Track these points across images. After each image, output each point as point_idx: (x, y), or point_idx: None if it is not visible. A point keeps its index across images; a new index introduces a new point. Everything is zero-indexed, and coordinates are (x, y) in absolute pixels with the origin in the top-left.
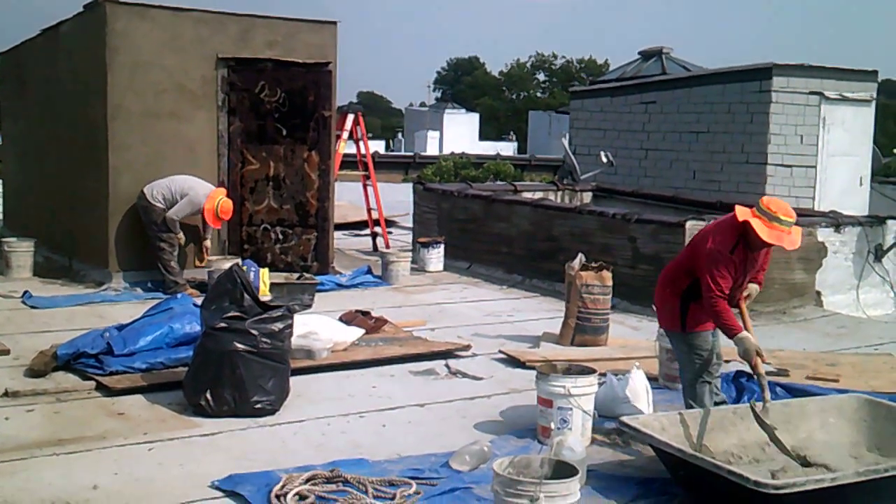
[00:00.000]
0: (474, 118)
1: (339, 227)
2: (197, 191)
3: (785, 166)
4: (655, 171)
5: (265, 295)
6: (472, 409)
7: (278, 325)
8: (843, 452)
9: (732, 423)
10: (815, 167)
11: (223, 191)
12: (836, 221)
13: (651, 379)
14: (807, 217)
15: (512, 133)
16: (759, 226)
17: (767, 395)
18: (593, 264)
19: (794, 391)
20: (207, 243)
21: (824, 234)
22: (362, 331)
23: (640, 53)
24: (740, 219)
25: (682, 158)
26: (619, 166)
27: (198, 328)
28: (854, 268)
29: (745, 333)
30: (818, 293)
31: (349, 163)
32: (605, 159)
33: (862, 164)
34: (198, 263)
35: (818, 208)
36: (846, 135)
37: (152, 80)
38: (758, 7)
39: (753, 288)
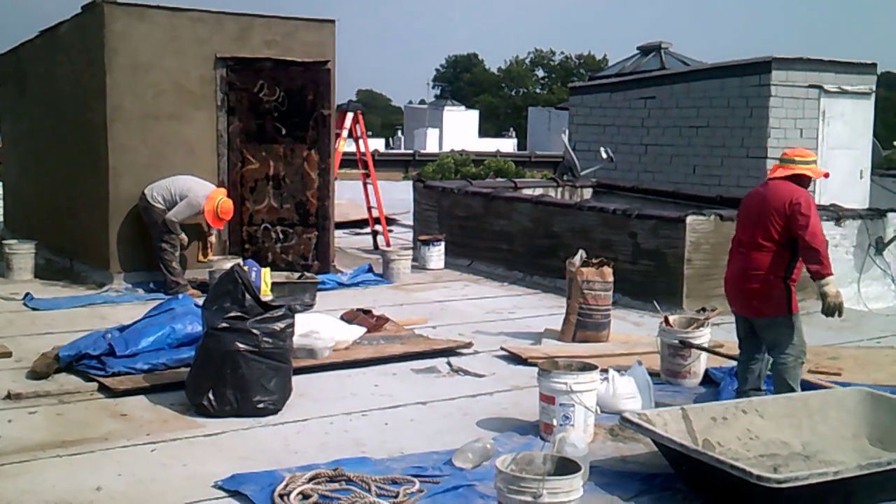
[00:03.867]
0: (474, 115)
1: (340, 225)
2: (196, 192)
3: None
4: (655, 167)
5: (267, 295)
6: (474, 407)
7: (280, 325)
8: (846, 446)
9: (735, 418)
10: (815, 161)
11: (223, 191)
12: (837, 215)
13: (653, 374)
14: None
15: (512, 129)
16: (811, 171)
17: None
18: (594, 260)
19: None
20: (212, 239)
21: (825, 228)
22: (364, 329)
23: (638, 48)
24: (797, 171)
25: (681, 153)
26: (618, 162)
27: (199, 328)
28: (855, 261)
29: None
30: None
31: (349, 161)
32: (604, 155)
33: (862, 156)
34: (201, 258)
35: (819, 202)
36: (846, 128)
37: (151, 80)
38: (755, 0)
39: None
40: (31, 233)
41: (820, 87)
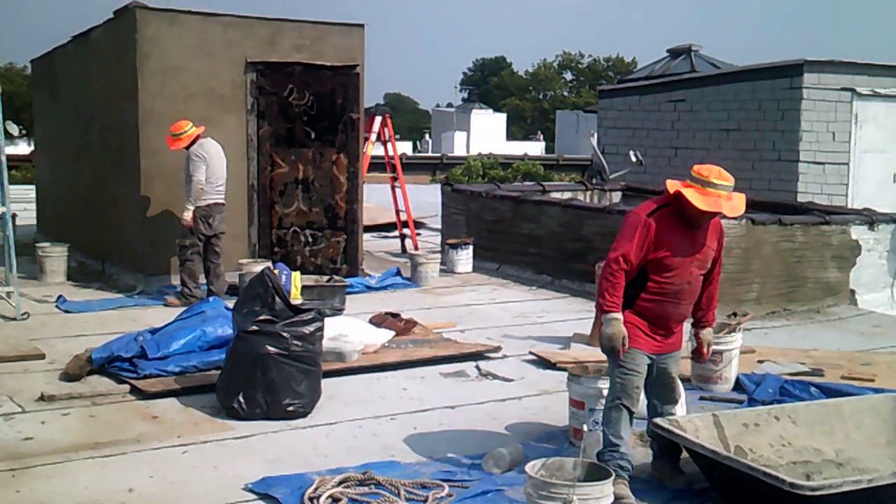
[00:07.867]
0: (501, 118)
1: (368, 229)
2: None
3: (817, 163)
4: (685, 170)
5: (296, 298)
6: (503, 411)
7: (309, 328)
8: (880, 453)
9: (768, 424)
10: (847, 164)
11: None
12: (870, 219)
13: (684, 380)
14: (840, 214)
15: (539, 133)
16: (692, 195)
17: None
18: None
19: (829, 391)
20: None
21: (858, 232)
22: (392, 333)
23: (668, 51)
24: (671, 191)
25: (712, 157)
26: (648, 165)
27: (230, 331)
28: (888, 266)
29: (618, 315)
30: (852, 292)
31: (377, 165)
32: (634, 158)
33: (895, 160)
34: None
35: (851, 206)
36: (879, 131)
37: (182, 84)
38: (787, 2)
39: (707, 334)
40: (64, 235)
41: (852, 90)
